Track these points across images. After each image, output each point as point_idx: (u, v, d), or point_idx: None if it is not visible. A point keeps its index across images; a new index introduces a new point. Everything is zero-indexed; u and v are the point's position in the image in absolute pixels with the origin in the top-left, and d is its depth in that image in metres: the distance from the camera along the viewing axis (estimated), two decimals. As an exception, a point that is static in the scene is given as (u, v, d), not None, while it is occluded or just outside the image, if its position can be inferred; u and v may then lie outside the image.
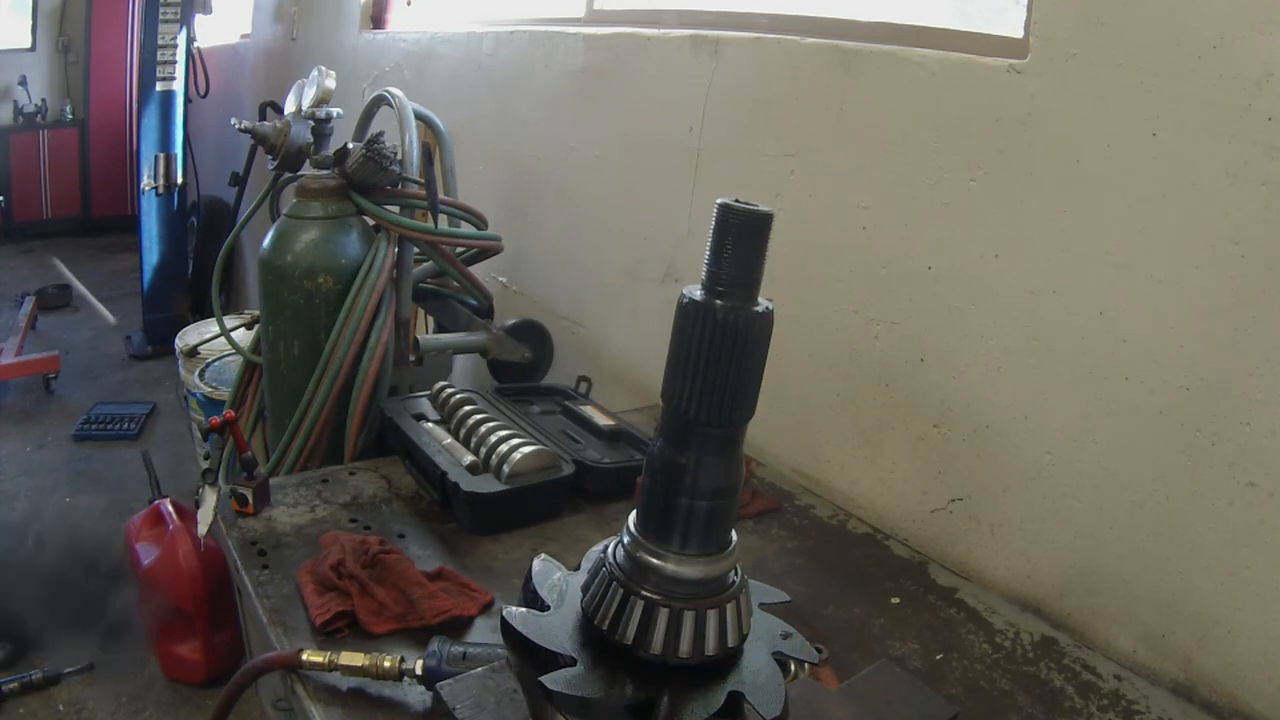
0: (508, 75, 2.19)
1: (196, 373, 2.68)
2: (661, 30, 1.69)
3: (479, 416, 1.31)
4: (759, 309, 0.54)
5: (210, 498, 1.13)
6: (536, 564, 0.68)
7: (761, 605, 0.68)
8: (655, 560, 0.60)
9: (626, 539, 0.62)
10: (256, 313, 2.16)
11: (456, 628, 0.95)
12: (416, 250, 1.73)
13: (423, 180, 1.69)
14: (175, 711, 2.05)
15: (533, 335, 1.90)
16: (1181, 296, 0.98)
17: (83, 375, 4.05)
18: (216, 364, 2.74)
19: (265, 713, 1.24)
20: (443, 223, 1.76)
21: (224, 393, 2.39)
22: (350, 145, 1.66)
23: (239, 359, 2.10)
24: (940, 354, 1.25)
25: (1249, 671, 0.95)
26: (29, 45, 6.23)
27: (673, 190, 1.68)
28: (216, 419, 1.17)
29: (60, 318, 4.71)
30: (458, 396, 1.40)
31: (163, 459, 3.06)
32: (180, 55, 4.21)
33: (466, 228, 1.81)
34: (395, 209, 1.69)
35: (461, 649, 0.84)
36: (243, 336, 2.47)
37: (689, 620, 0.59)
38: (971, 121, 1.17)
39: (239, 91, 4.50)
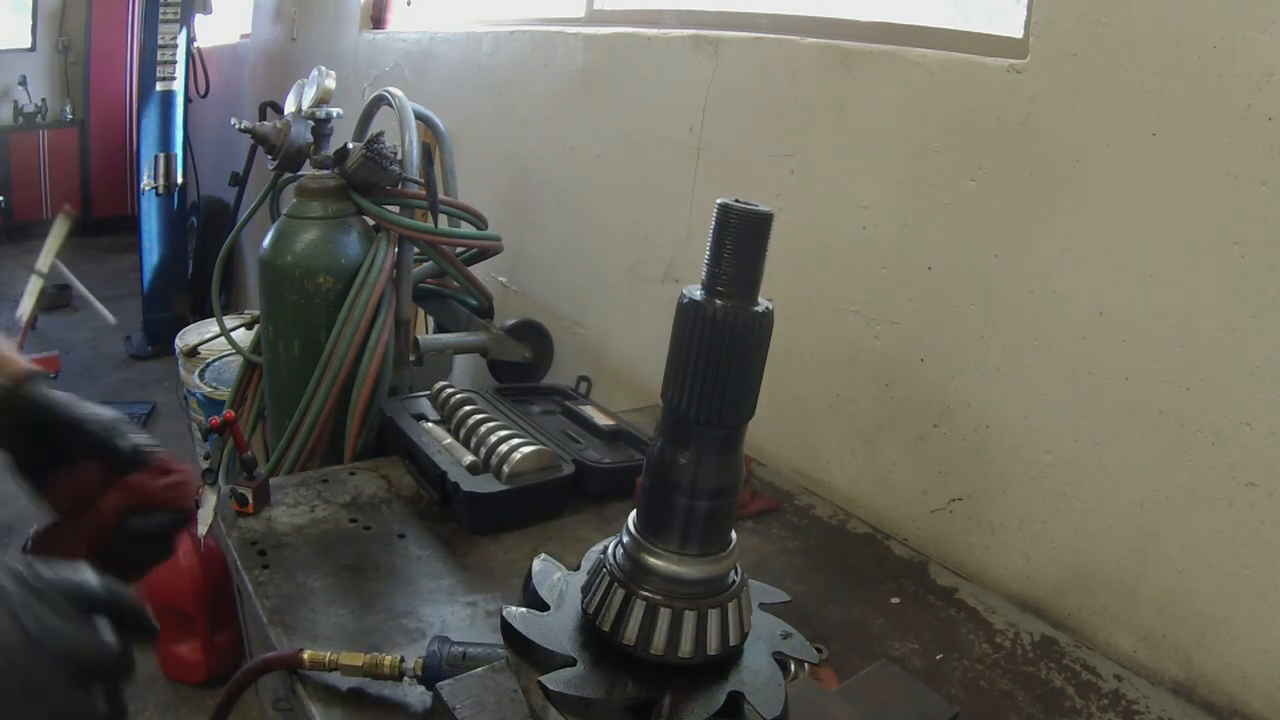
0: (508, 75, 2.19)
1: (196, 373, 2.68)
2: (661, 30, 1.69)
3: (479, 416, 1.31)
4: (759, 309, 0.54)
5: (210, 498, 1.13)
6: (536, 564, 0.68)
7: (761, 605, 0.68)
8: (655, 560, 0.60)
9: (626, 539, 0.62)
10: (256, 313, 2.16)
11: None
12: (416, 250, 1.73)
13: (423, 180, 1.69)
14: (175, 711, 2.05)
15: (533, 335, 1.90)
16: (1181, 296, 0.98)
17: (83, 375, 4.05)
18: (216, 364, 2.74)
19: (265, 713, 1.24)
20: (443, 223, 1.76)
21: (224, 393, 2.39)
22: (350, 145, 1.66)
23: (239, 359, 2.11)
24: (940, 354, 1.25)
25: (1249, 671, 0.95)
26: (29, 45, 6.23)
27: (673, 190, 1.68)
28: (216, 419, 1.17)
29: (60, 318, 4.71)
30: (458, 396, 1.39)
31: (163, 459, 3.06)
32: (180, 55, 4.21)
33: (466, 228, 1.81)
34: (395, 209, 1.69)
35: (461, 649, 0.84)
36: (243, 336, 2.47)
37: (690, 620, 0.59)
38: (971, 121, 1.17)
39: (239, 91, 4.50)
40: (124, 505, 0.75)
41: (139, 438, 0.77)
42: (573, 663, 0.59)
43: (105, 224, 6.32)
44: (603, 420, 1.42)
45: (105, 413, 0.78)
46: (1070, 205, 1.08)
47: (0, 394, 0.80)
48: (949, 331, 1.23)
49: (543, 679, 0.58)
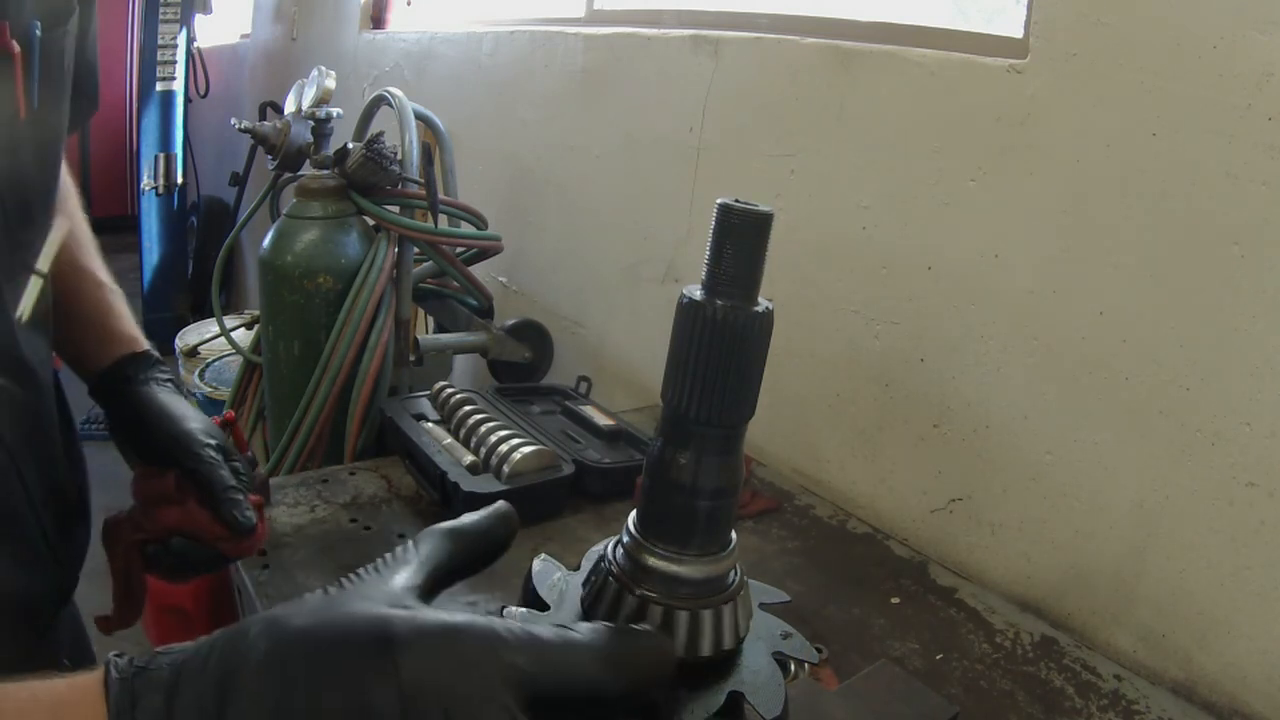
0: (508, 75, 2.19)
1: (196, 373, 2.69)
2: (661, 30, 1.69)
3: (479, 416, 1.31)
4: (759, 309, 0.54)
5: None
6: (536, 564, 0.68)
7: (761, 605, 0.68)
8: (655, 560, 0.60)
9: (626, 539, 0.62)
10: (256, 313, 2.16)
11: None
12: (416, 250, 1.73)
13: (423, 180, 1.69)
14: (175, 712, 2.05)
15: (533, 335, 1.90)
16: (1182, 296, 0.98)
17: (83, 375, 4.04)
18: (216, 364, 2.74)
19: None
20: (443, 223, 1.76)
21: (224, 393, 2.39)
22: (350, 145, 1.66)
23: (239, 359, 2.11)
24: (940, 354, 1.25)
25: (1249, 671, 0.95)
26: (29, 45, 6.22)
27: (673, 190, 1.68)
28: (216, 419, 1.17)
29: (60, 318, 4.69)
30: (458, 396, 1.39)
31: (163, 459, 3.05)
32: (180, 55, 4.21)
33: (466, 228, 1.81)
34: (395, 209, 1.69)
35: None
36: (243, 336, 2.47)
37: (689, 620, 0.59)
38: (971, 121, 1.17)
39: (239, 91, 4.50)
40: (177, 527, 0.75)
41: (228, 478, 0.74)
42: (573, 663, 0.59)
43: (105, 224, 6.27)
44: (603, 420, 1.42)
45: (199, 430, 0.76)
46: (1070, 205, 1.08)
47: (105, 369, 0.80)
48: (949, 331, 1.23)
49: (543, 679, 0.57)
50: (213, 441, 0.76)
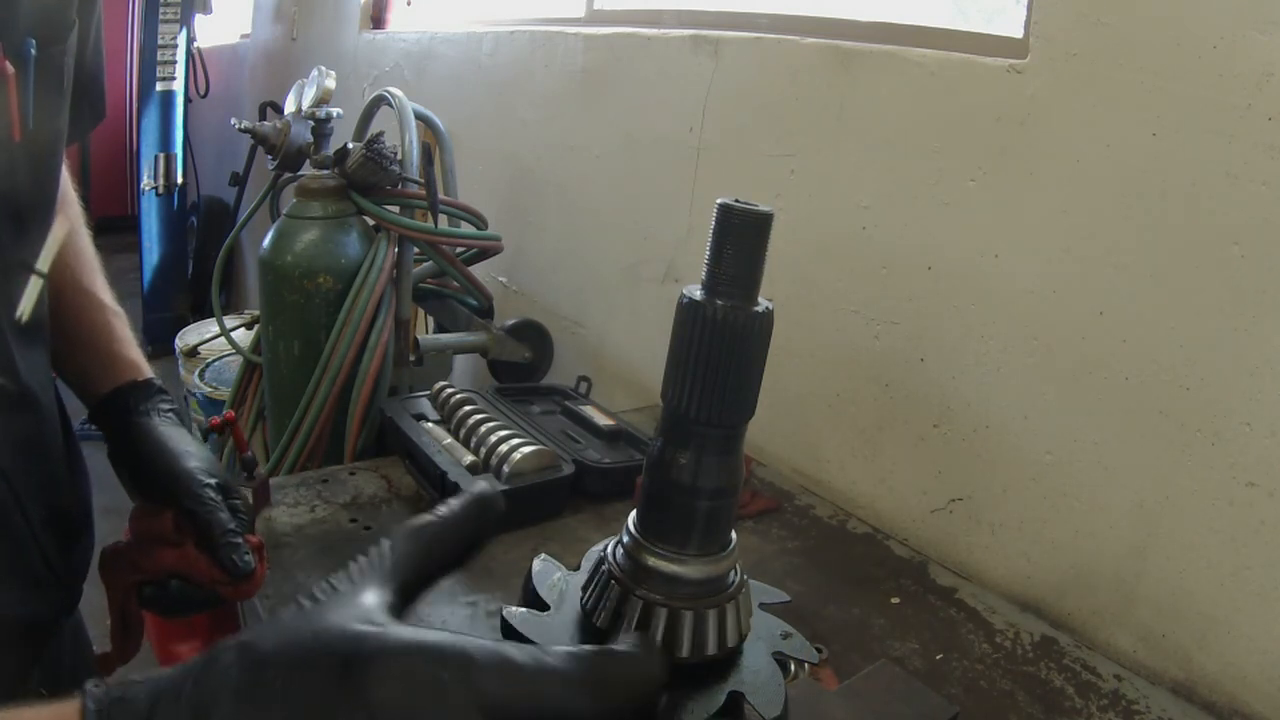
0: (508, 75, 2.20)
1: (196, 373, 2.69)
2: (661, 30, 1.69)
3: (479, 416, 1.31)
4: (759, 309, 0.54)
5: None
6: (536, 564, 0.68)
7: (761, 605, 0.68)
8: (655, 560, 0.60)
9: (626, 539, 0.62)
10: (256, 313, 2.16)
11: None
12: (416, 250, 1.73)
13: (423, 180, 1.69)
14: (175, 712, 2.05)
15: (533, 335, 1.90)
16: (1182, 296, 0.98)
17: (83, 376, 4.04)
18: (216, 364, 2.74)
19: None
20: (443, 223, 1.76)
21: (224, 393, 2.39)
22: (350, 145, 1.66)
23: (239, 359, 2.11)
24: (940, 354, 1.25)
25: (1249, 671, 0.95)
26: (29, 45, 6.22)
27: (673, 190, 1.68)
28: (216, 419, 1.17)
29: (60, 318, 4.69)
30: (458, 396, 1.39)
31: (163, 459, 3.05)
32: (180, 55, 4.21)
33: (466, 228, 1.81)
34: (395, 209, 1.69)
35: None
36: (243, 336, 2.47)
37: (689, 620, 0.59)
38: (971, 121, 1.17)
39: (239, 91, 4.50)
40: (174, 569, 0.73)
41: (227, 521, 0.72)
42: (573, 663, 0.59)
43: (105, 224, 6.28)
44: (603, 420, 1.42)
45: (199, 469, 0.73)
46: (1070, 205, 1.08)
47: (106, 397, 0.78)
48: (949, 331, 1.23)
49: (543, 679, 0.57)
50: (212, 481, 0.73)
